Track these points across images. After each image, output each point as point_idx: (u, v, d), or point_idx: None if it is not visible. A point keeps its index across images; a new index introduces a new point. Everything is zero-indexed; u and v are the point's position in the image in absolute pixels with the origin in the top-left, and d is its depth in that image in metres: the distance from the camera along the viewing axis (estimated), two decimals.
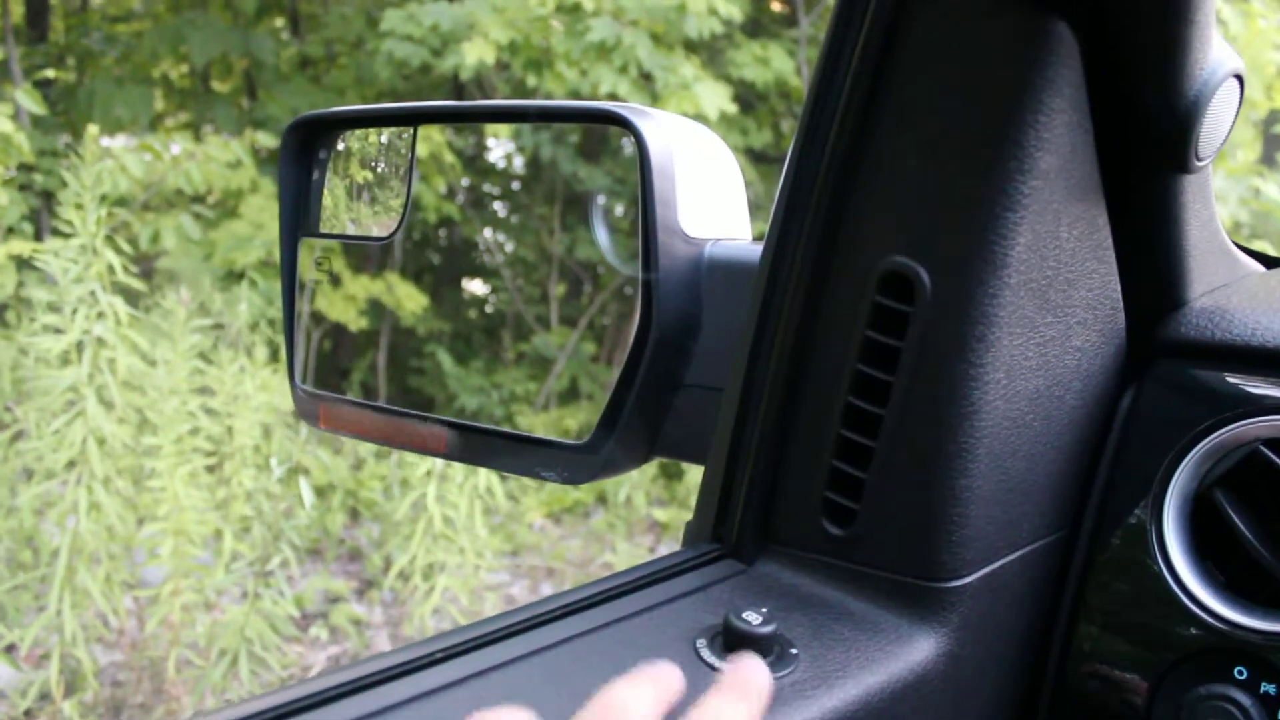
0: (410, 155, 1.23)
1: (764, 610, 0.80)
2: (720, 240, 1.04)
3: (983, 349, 0.82)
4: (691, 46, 5.97)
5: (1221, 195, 6.04)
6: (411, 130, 1.24)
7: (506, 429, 1.21)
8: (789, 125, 6.91)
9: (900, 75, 0.81)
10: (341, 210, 1.27)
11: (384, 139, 1.27)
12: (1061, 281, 0.86)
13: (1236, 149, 6.60)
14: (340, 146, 1.26)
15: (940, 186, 0.81)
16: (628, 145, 1.11)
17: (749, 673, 0.69)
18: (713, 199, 1.05)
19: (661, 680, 0.67)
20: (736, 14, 5.86)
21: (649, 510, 5.08)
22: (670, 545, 4.79)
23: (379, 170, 1.27)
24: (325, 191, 1.26)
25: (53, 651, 3.07)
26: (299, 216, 1.24)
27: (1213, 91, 0.85)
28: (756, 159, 6.64)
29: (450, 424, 1.16)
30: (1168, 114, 0.84)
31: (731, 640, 0.79)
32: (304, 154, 1.23)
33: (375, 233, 1.32)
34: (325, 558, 4.68)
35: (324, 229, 1.27)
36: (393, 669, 0.74)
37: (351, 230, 1.30)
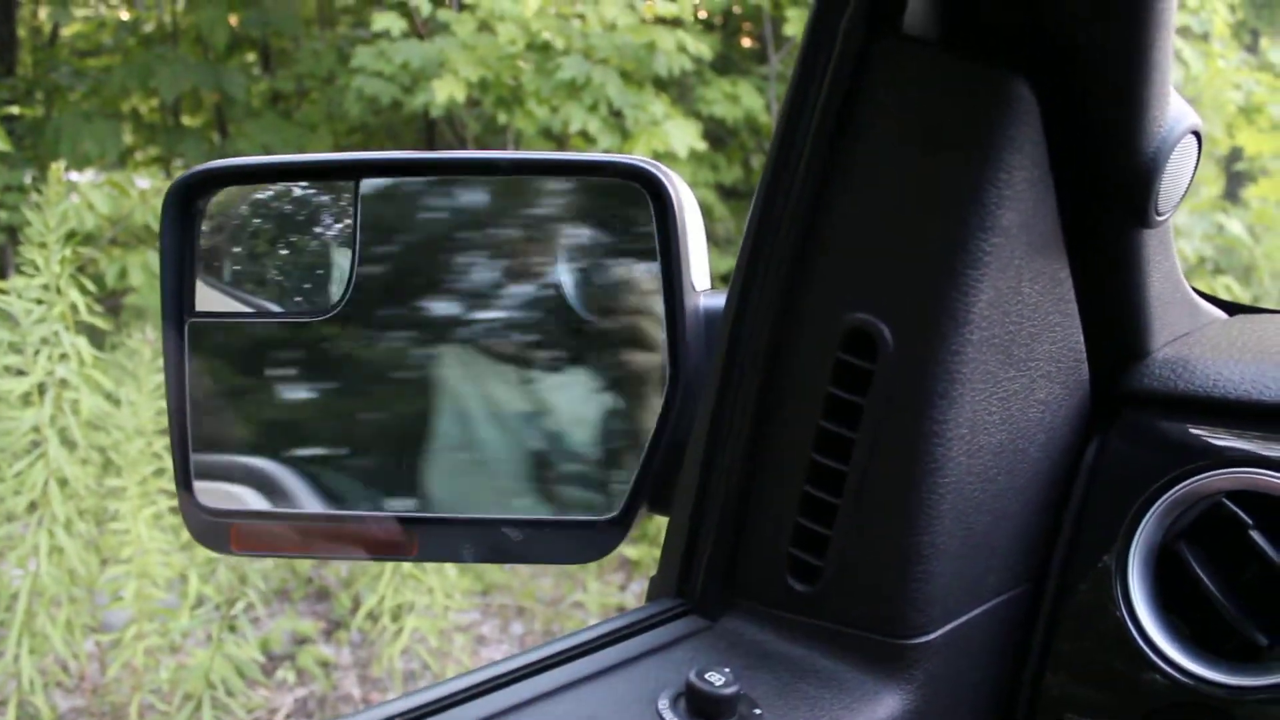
0: (355, 215, 1.03)
1: (727, 670, 0.79)
2: (707, 290, 1.03)
3: (946, 405, 0.81)
4: (661, 84, 6.01)
5: (1185, 231, 6.13)
6: (353, 185, 1.04)
7: (501, 514, 1.02)
8: (759, 161, 6.95)
9: (861, 132, 0.82)
10: (253, 283, 1.08)
11: (314, 195, 1.07)
12: (1024, 336, 0.86)
13: (1200, 186, 6.69)
14: (245, 208, 1.07)
15: (902, 244, 0.81)
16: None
17: None
18: (699, 249, 1.04)
19: None
20: (706, 51, 5.91)
21: (619, 549, 5.05)
22: (641, 583, 4.77)
23: (304, 234, 1.08)
24: (227, 263, 1.06)
25: (9, 699, 3.01)
26: (185, 295, 1.03)
27: (1171, 148, 0.85)
28: (727, 195, 6.68)
29: (420, 520, 1.01)
30: (1127, 170, 0.85)
31: (694, 702, 0.78)
32: (189, 218, 1.02)
33: (305, 306, 1.07)
34: (292, 598, 4.62)
35: (219, 308, 1.05)
36: None
37: (265, 306, 1.07)
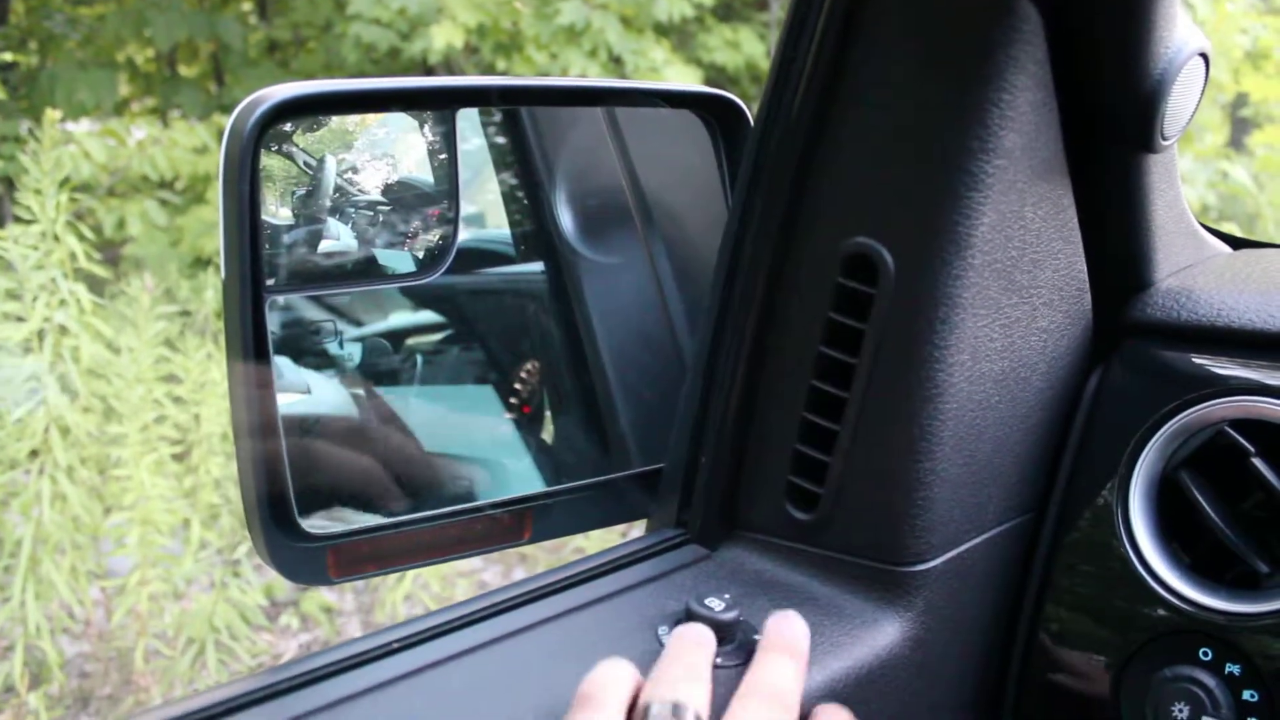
0: (452, 152, 0.86)
1: (726, 596, 0.79)
2: None
3: (947, 331, 0.81)
4: (662, 30, 5.95)
5: (1189, 178, 6.08)
6: (449, 116, 0.88)
7: (617, 473, 0.93)
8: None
9: (862, 53, 0.80)
10: (352, 243, 0.85)
11: (423, 128, 0.89)
12: (1027, 262, 0.85)
13: (1205, 132, 6.64)
14: (340, 148, 0.86)
15: (903, 166, 0.80)
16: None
17: (789, 630, 0.75)
18: None
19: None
20: None
21: None
22: (642, 530, 4.78)
23: (409, 179, 0.89)
24: (308, 214, 0.83)
25: (16, 643, 3.03)
26: (259, 262, 0.77)
27: (1178, 70, 0.84)
28: None
29: (532, 498, 0.92)
30: (1132, 92, 0.84)
31: None
32: (255, 161, 0.77)
33: (408, 266, 0.89)
34: None
35: (310, 276, 0.83)
36: (351, 659, 0.72)
37: (371, 267, 0.87)
